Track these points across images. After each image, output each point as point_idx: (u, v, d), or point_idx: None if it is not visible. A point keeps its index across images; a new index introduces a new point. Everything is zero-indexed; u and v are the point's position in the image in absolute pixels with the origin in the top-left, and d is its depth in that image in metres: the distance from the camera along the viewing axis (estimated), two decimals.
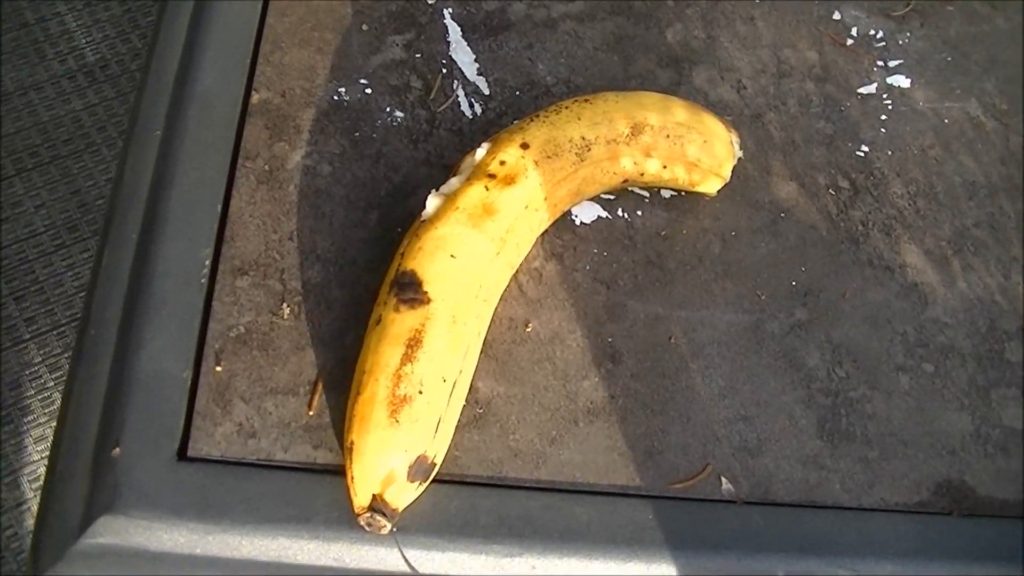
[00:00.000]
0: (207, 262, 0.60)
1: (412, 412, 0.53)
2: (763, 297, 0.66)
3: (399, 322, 0.55)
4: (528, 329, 0.62)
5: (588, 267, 0.64)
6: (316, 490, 0.56)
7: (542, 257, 0.64)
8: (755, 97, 0.74)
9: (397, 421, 0.53)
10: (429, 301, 0.55)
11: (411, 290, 0.55)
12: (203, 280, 0.60)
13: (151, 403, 0.55)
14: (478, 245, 0.57)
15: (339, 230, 0.62)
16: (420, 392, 0.53)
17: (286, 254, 0.61)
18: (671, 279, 0.65)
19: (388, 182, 0.65)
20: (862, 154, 0.73)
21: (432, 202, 0.58)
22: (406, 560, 0.53)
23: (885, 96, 0.76)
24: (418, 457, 0.53)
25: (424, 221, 0.58)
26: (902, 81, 0.77)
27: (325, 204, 0.63)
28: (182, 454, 0.55)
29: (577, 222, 0.65)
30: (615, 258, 0.65)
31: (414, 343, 0.54)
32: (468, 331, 0.56)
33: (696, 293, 0.65)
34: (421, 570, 0.56)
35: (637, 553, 0.57)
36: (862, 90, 0.76)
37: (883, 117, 0.75)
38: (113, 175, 0.63)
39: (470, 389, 0.58)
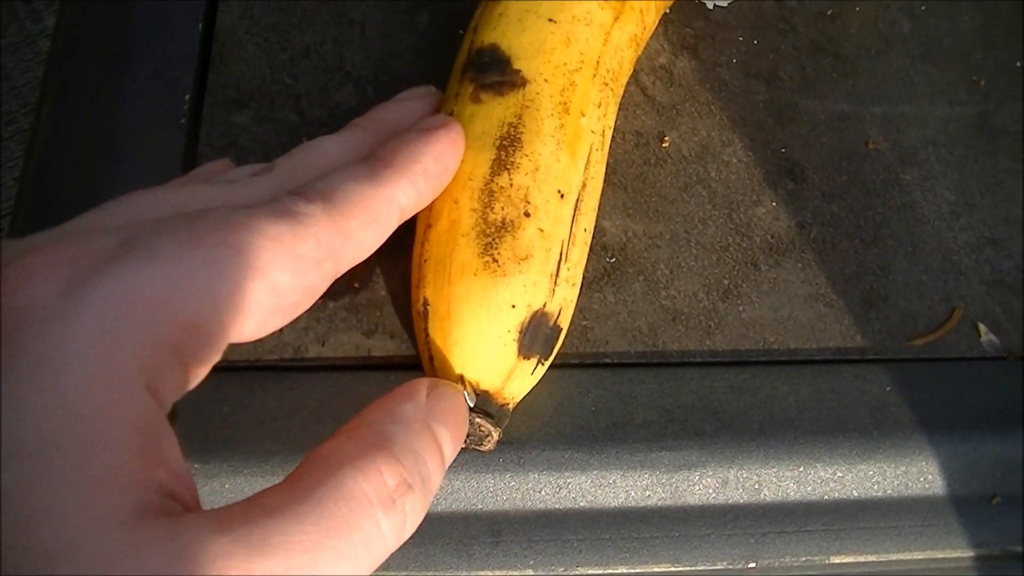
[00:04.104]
0: (187, 95, 0.41)
1: (518, 244, 0.33)
2: (982, 83, 0.46)
3: (482, 115, 0.35)
4: (665, 144, 0.42)
5: (735, 60, 0.44)
6: (373, 396, 0.36)
7: (669, 51, 0.44)
8: None
9: (495, 260, 0.33)
10: (523, 83, 0.36)
11: (495, 70, 0.36)
12: (182, 120, 0.40)
13: None
14: (586, 6, 0.37)
15: (375, 39, 0.43)
16: (526, 214, 0.34)
17: (302, 76, 0.42)
18: (852, 68, 0.45)
19: None
20: None
21: None
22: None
23: None
24: (533, 315, 0.33)
25: None
26: None
27: (352, 9, 0.44)
28: None
29: (709, 5, 0.46)
30: (771, 46, 0.45)
31: (509, 143, 0.35)
32: (589, 125, 0.36)
33: (890, 83, 0.45)
34: (551, 502, 0.36)
35: (873, 442, 0.37)
36: None
37: None
38: None
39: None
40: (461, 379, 0.33)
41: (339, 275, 0.29)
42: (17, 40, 1.11)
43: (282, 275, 0.27)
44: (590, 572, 0.36)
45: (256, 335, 0.27)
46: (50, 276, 0.24)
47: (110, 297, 0.24)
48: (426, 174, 0.32)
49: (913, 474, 0.38)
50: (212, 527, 0.23)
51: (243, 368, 0.36)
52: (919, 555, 0.38)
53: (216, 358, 0.27)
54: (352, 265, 0.30)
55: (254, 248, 0.26)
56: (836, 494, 0.37)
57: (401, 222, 0.31)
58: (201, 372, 0.27)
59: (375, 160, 0.31)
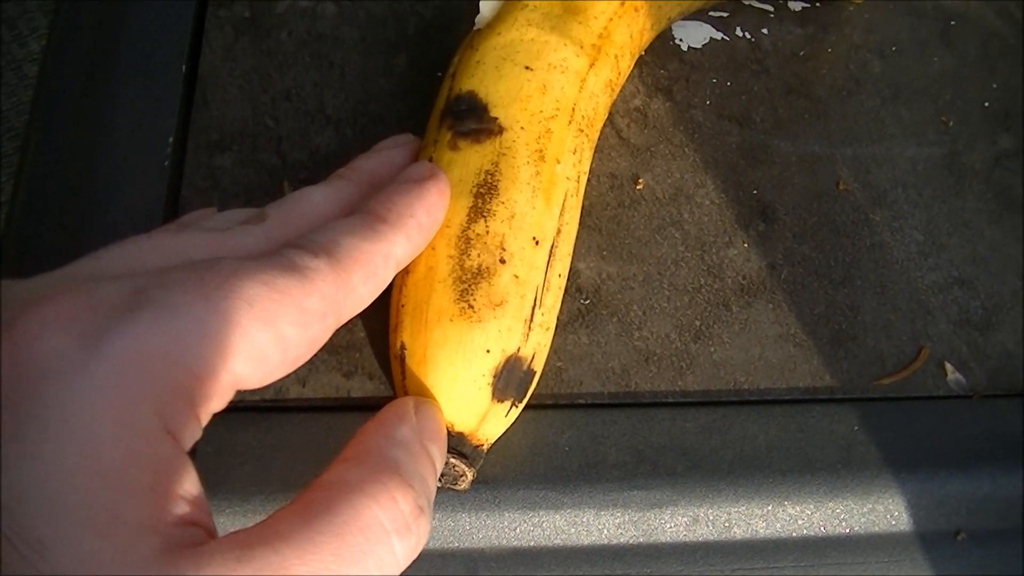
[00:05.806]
0: (170, 138, 0.41)
1: (493, 291, 0.34)
2: (951, 123, 0.47)
3: (460, 163, 0.36)
4: (639, 186, 0.43)
5: (709, 101, 0.45)
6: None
7: (644, 93, 0.45)
8: None
9: (471, 306, 0.34)
10: (500, 131, 0.36)
11: (472, 118, 0.37)
12: (166, 163, 0.41)
13: None
14: (562, 53, 0.38)
15: (355, 82, 0.44)
16: (502, 261, 0.35)
17: (283, 118, 0.43)
18: (824, 110, 0.46)
19: (416, 16, 0.46)
20: None
21: (488, 4, 0.40)
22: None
23: None
24: (507, 360, 0.34)
25: (480, 30, 0.40)
26: None
27: (333, 52, 0.45)
28: None
29: (684, 47, 0.47)
30: (743, 88, 0.46)
31: (486, 190, 0.35)
32: (564, 171, 0.37)
33: (861, 124, 0.46)
34: (526, 540, 0.37)
35: (841, 480, 0.38)
36: None
37: None
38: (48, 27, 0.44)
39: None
40: None
41: (338, 327, 0.30)
42: (1, 64, 1.10)
43: (289, 328, 0.28)
44: None
45: (261, 384, 0.28)
46: (65, 328, 0.25)
47: (127, 350, 0.25)
48: (420, 227, 0.33)
49: (880, 512, 0.38)
50: (234, 559, 0.24)
51: (225, 409, 0.36)
52: None
53: (224, 405, 0.28)
54: (350, 318, 0.31)
55: (263, 301, 0.27)
56: (805, 532, 0.38)
57: (395, 274, 0.32)
58: (208, 417, 0.28)
59: (370, 215, 0.32)
